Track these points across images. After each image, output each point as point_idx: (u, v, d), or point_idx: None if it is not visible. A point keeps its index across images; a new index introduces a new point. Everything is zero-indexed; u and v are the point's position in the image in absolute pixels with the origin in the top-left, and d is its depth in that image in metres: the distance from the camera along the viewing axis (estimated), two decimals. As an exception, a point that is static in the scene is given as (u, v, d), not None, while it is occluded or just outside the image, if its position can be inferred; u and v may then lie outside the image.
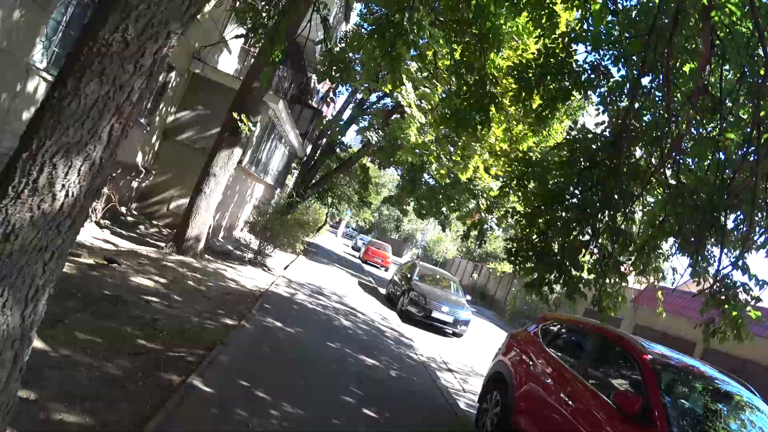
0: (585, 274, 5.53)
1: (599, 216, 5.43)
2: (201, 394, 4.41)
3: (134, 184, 11.94)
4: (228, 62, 14.78)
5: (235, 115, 9.98)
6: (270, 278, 12.00)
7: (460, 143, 13.28)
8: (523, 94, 5.89)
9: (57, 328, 4.71)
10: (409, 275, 15.53)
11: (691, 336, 18.67)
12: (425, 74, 11.82)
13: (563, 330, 6.35)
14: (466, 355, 12.54)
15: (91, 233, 9.33)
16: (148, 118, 11.48)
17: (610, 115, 5.84)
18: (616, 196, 5.46)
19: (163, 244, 10.30)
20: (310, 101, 23.87)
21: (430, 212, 22.59)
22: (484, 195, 18.59)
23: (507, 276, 32.74)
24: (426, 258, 53.19)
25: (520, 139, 12.11)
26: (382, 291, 18.44)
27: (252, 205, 18.42)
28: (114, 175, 10.31)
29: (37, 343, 4.32)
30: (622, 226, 5.55)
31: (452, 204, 20.39)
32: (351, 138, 46.43)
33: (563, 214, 5.80)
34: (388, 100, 22.37)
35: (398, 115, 18.06)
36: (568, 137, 5.96)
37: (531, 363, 6.04)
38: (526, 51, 8.40)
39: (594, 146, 5.67)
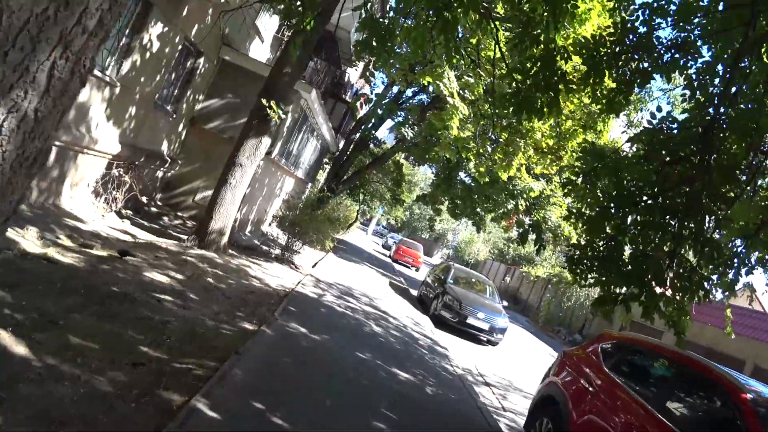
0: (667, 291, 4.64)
1: (684, 221, 4.53)
2: (205, 419, 3.67)
3: (159, 174, 11.42)
4: (260, 51, 14.18)
5: (264, 101, 9.30)
6: (297, 277, 11.32)
7: (502, 139, 12.38)
8: (593, 74, 5.02)
9: (48, 331, 4.08)
10: (443, 277, 14.69)
11: (740, 354, 17.41)
12: (468, 64, 10.97)
13: (630, 353, 5.46)
14: (502, 366, 11.66)
15: (109, 223, 8.81)
16: (174, 106, 10.93)
17: (699, 103, 4.92)
18: (705, 198, 4.57)
19: (185, 237, 9.71)
20: (344, 96, 23.21)
21: (464, 212, 21.65)
22: (524, 196, 17.59)
23: (541, 280, 31.57)
24: (456, 259, 52.16)
25: (570, 135, 11.16)
26: (414, 292, 17.65)
27: (281, 198, 17.82)
28: (137, 163, 9.77)
29: (20, 350, 3.69)
30: (712, 235, 4.65)
31: (488, 204, 19.43)
32: (384, 134, 45.70)
33: (638, 217, 4.92)
34: (423, 96, 21.57)
35: (434, 110, 17.23)
36: (648, 126, 5.06)
37: (591, 389, 5.17)
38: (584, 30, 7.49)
39: (678, 139, 4.78)
